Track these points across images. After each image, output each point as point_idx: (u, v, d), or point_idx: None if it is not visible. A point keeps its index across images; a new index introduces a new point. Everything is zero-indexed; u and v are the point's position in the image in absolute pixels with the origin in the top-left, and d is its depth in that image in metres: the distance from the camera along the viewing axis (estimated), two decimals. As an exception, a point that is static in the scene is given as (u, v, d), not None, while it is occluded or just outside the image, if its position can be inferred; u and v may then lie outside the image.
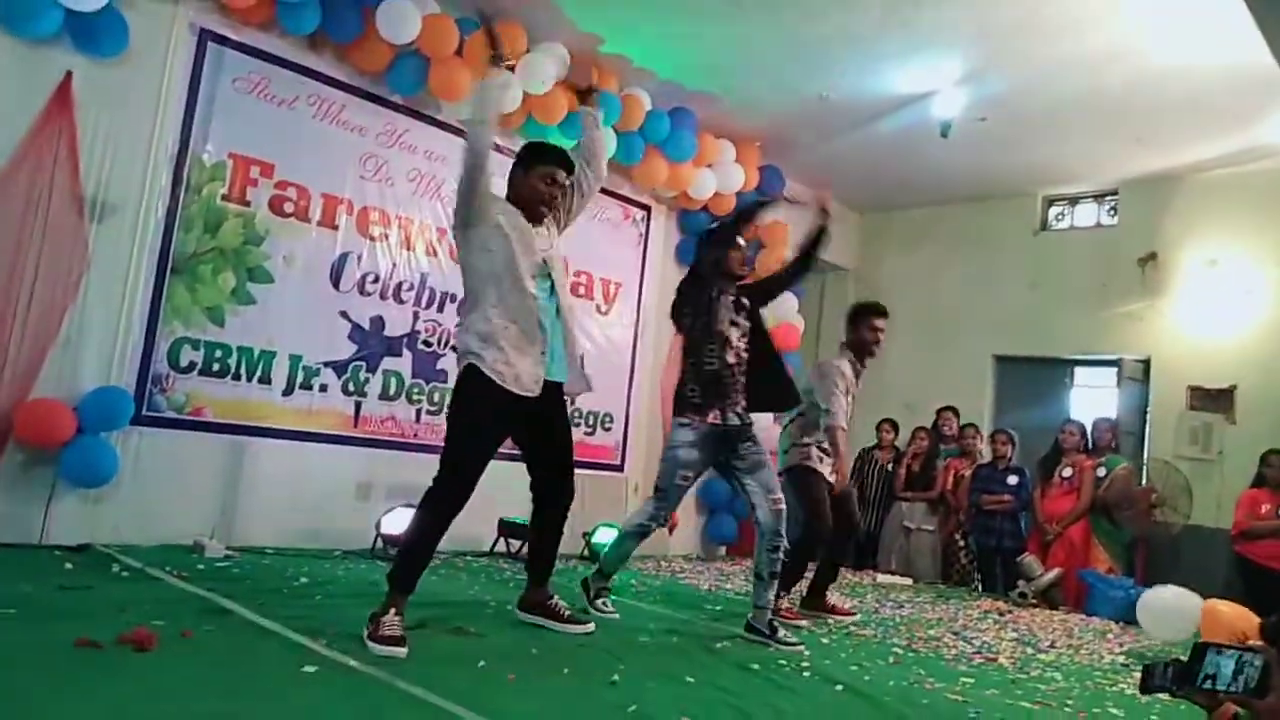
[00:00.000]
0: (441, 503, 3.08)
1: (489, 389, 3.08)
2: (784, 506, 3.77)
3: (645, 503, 4.03)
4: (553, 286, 3.28)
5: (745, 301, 3.90)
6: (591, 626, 3.46)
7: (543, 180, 3.28)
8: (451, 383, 3.39)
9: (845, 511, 4.57)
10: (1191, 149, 6.37)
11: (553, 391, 3.30)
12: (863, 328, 4.58)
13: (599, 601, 3.89)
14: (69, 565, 3.65)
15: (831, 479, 4.47)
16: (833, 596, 4.76)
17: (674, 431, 3.80)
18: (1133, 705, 3.26)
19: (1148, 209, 6.98)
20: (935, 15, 4.91)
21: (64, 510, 4.08)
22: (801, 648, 3.61)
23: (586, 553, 5.64)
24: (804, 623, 4.24)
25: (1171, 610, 4.65)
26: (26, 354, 3.96)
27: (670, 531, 6.73)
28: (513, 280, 3.14)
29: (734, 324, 3.80)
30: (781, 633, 3.69)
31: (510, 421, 3.23)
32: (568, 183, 3.38)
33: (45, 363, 4.03)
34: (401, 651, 2.79)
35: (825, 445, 4.46)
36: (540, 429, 3.35)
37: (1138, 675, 3.77)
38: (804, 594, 4.60)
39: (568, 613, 3.46)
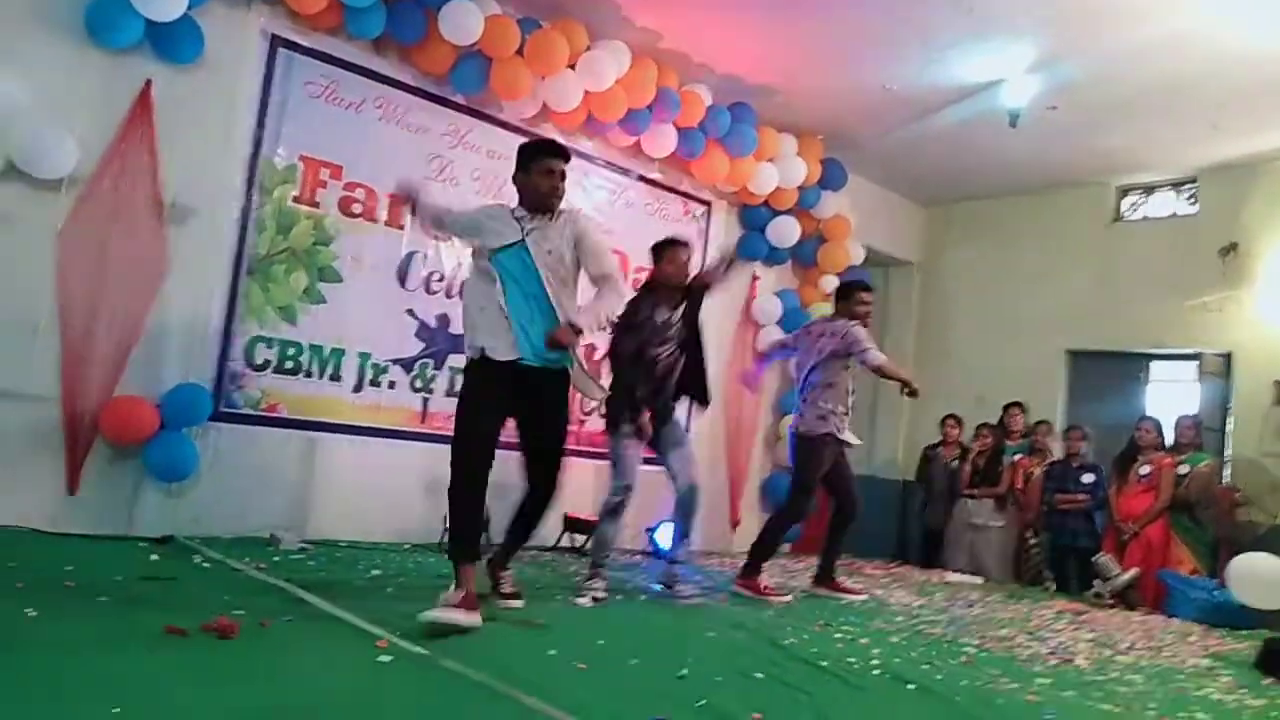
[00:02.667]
0: (455, 465, 3.29)
1: (477, 365, 3.41)
2: (697, 477, 4.30)
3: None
4: (537, 274, 3.39)
5: (678, 312, 4.25)
6: (520, 603, 3.53)
7: (542, 174, 3.43)
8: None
9: (844, 489, 4.89)
10: (1273, 135, 6.10)
11: (552, 378, 3.45)
12: (853, 303, 4.90)
13: (587, 584, 4.05)
14: (154, 556, 3.78)
15: (853, 440, 4.87)
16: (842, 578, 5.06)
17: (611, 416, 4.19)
18: (1219, 710, 3.15)
19: (1228, 197, 6.71)
20: (996, 5, 4.79)
21: (148, 503, 4.23)
22: (698, 601, 4.22)
23: (652, 549, 5.64)
24: (787, 598, 4.54)
25: (1272, 580, 4.44)
26: (112, 353, 4.12)
27: (734, 528, 6.74)
28: (483, 269, 3.45)
29: (666, 341, 4.21)
30: (678, 587, 4.27)
31: (501, 387, 3.36)
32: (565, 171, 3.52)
33: (129, 361, 4.18)
34: (465, 619, 2.97)
35: (842, 410, 4.79)
36: (532, 413, 3.46)
37: (1224, 679, 3.67)
38: (815, 573, 5.00)
39: (506, 590, 3.58)
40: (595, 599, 3.92)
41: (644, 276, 6.14)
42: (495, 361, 3.36)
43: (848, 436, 4.83)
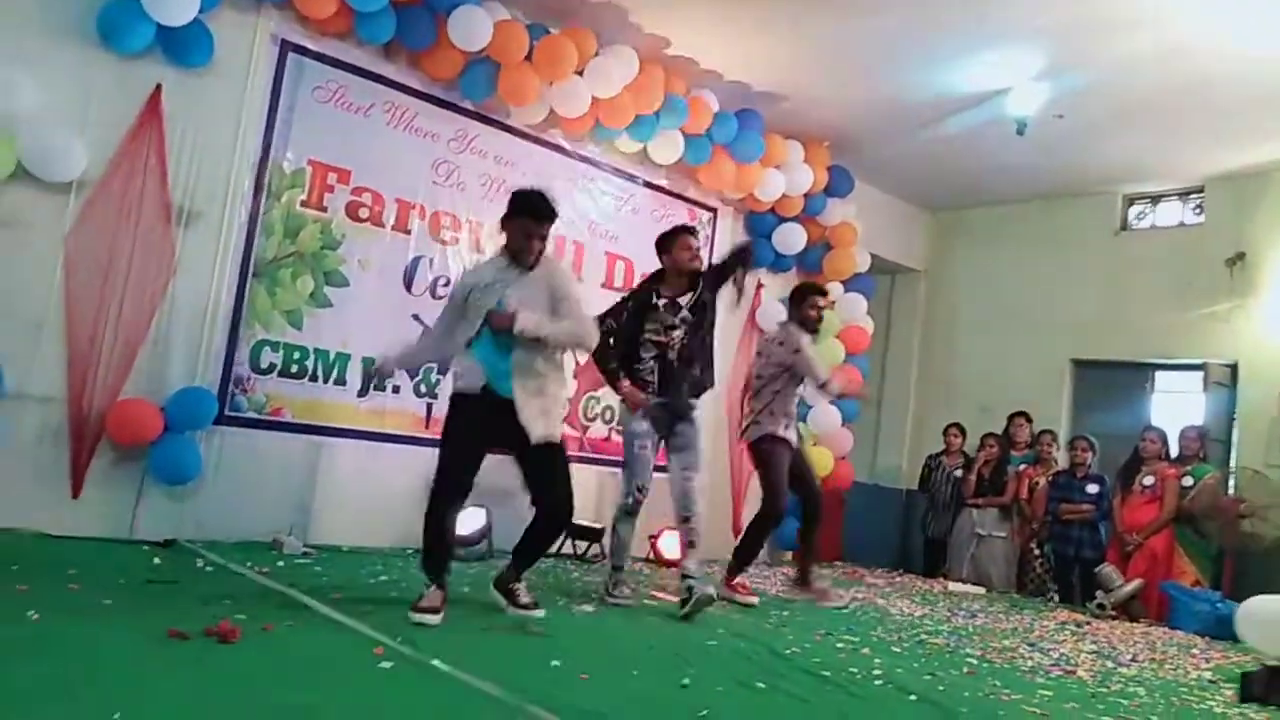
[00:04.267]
0: (430, 494, 3.48)
1: (455, 400, 3.55)
2: (695, 482, 4.23)
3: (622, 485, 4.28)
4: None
5: (686, 297, 4.27)
6: (541, 612, 3.44)
7: (520, 231, 3.48)
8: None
9: (806, 483, 4.95)
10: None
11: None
12: (805, 306, 4.94)
13: (615, 591, 4.16)
14: (157, 560, 3.79)
15: (792, 439, 4.86)
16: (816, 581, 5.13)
17: (624, 416, 4.28)
18: (1223, 724, 3.14)
19: (1235, 207, 6.69)
20: (1010, 10, 4.79)
21: (151, 506, 4.24)
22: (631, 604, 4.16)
23: (652, 555, 5.64)
24: (754, 599, 4.58)
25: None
26: (118, 355, 4.13)
27: (736, 536, 6.72)
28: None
29: (672, 326, 4.23)
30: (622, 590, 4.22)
31: (482, 421, 3.41)
32: (546, 231, 3.52)
33: (135, 364, 4.19)
34: (431, 619, 3.18)
35: (791, 411, 4.86)
36: (517, 441, 3.43)
37: (1227, 692, 3.66)
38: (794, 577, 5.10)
39: (524, 600, 3.47)
40: (623, 604, 4.00)
41: (649, 282, 6.22)
42: (469, 396, 3.45)
43: (788, 435, 4.88)
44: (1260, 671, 3.46)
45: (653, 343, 4.23)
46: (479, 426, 3.43)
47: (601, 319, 4.16)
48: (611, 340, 4.21)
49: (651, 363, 4.23)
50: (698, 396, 4.34)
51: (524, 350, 3.40)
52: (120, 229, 4.12)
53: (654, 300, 4.27)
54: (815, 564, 5.15)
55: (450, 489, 3.45)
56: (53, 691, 2.04)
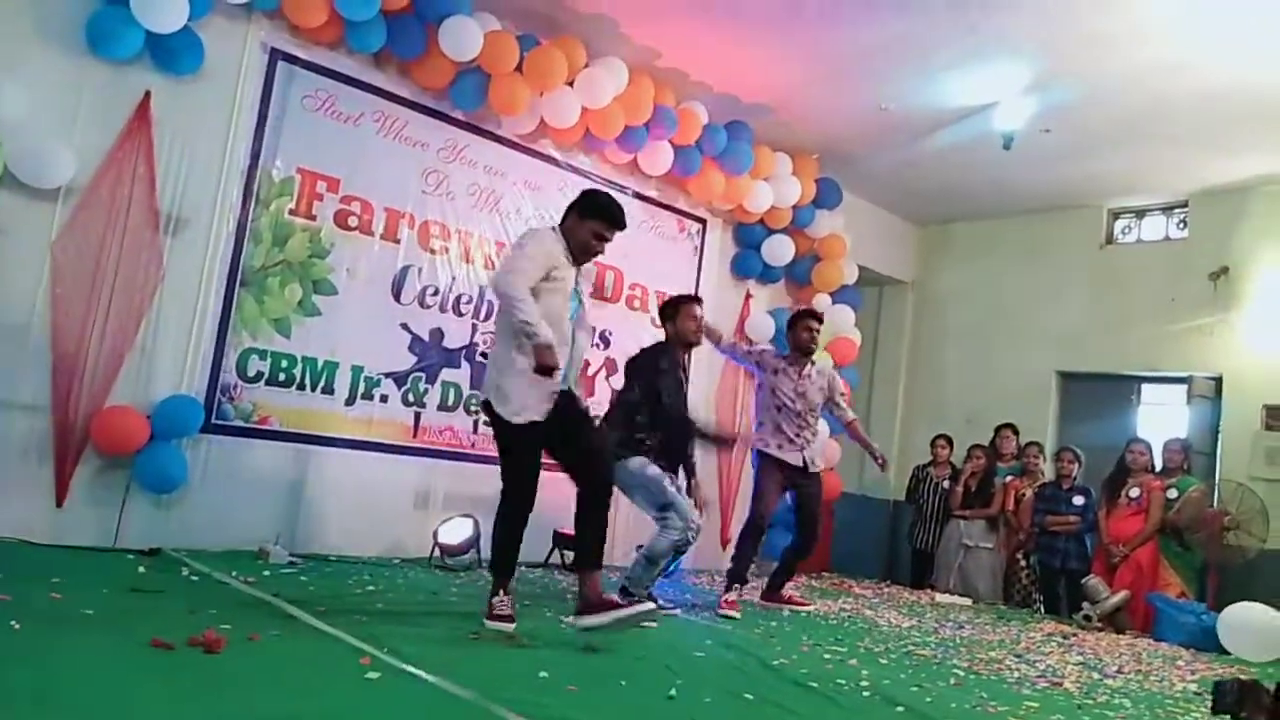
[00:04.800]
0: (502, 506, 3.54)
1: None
2: (700, 525, 4.30)
3: (663, 527, 4.18)
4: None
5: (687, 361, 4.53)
6: (651, 605, 3.60)
7: (590, 233, 3.54)
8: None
9: (807, 510, 5.02)
10: (1264, 159, 6.17)
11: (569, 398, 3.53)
12: (799, 329, 5.08)
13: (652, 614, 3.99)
14: (141, 569, 3.76)
15: (791, 460, 4.92)
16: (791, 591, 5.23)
17: (631, 460, 4.19)
18: (1208, 735, 3.15)
19: (1219, 221, 6.77)
20: (999, 25, 4.84)
21: (137, 515, 4.21)
22: (678, 611, 4.37)
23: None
24: (735, 614, 4.56)
25: (1262, 630, 4.44)
26: (104, 362, 4.11)
27: (725, 546, 6.72)
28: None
29: (679, 391, 4.36)
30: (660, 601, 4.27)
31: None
32: (612, 240, 3.64)
33: (121, 372, 4.17)
34: (509, 627, 3.33)
35: (784, 428, 4.94)
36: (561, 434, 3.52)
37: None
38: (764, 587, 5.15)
39: (617, 599, 3.58)
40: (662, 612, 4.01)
41: (638, 293, 6.24)
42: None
43: (787, 457, 4.95)
44: (1231, 684, 3.48)
45: (671, 405, 4.31)
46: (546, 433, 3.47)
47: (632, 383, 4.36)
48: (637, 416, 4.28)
49: (648, 423, 4.26)
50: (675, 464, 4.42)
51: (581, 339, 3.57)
52: (108, 236, 4.10)
53: (676, 367, 4.38)
54: (788, 578, 5.23)
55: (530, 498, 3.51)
56: (34, 701, 2.02)
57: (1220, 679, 3.81)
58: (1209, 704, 3.66)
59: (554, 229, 3.60)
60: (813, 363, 5.11)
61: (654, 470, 4.22)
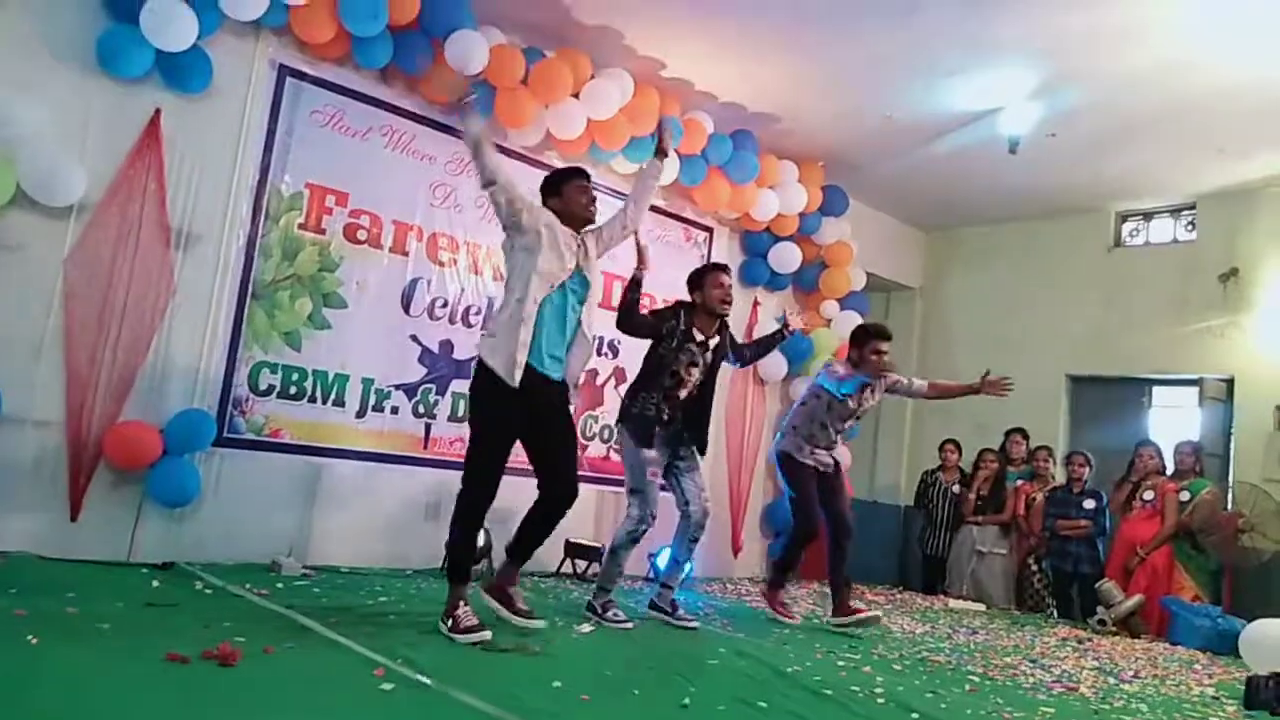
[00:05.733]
0: (461, 497, 3.46)
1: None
2: (711, 506, 4.33)
3: (627, 514, 4.18)
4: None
5: (712, 341, 4.33)
6: (542, 623, 3.53)
7: (579, 192, 3.64)
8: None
9: (835, 511, 4.83)
10: (1270, 159, 6.15)
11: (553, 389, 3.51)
12: (866, 350, 4.87)
13: (609, 614, 4.05)
14: (155, 582, 3.77)
15: (820, 466, 4.80)
16: (858, 601, 5.01)
17: (630, 444, 4.17)
18: (1226, 739, 3.13)
19: (1227, 223, 6.75)
20: (1002, 30, 4.85)
21: (150, 529, 4.23)
22: (696, 625, 4.21)
23: (651, 574, 5.62)
24: (795, 620, 4.69)
25: None
26: (117, 378, 4.14)
27: (735, 554, 6.72)
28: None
29: (694, 364, 4.24)
30: (680, 611, 4.24)
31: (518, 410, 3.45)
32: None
33: (134, 386, 4.20)
34: (487, 635, 3.23)
35: (819, 441, 4.80)
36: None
37: (1229, 708, 3.65)
38: (833, 606, 4.83)
39: (522, 607, 3.55)
40: (622, 626, 3.97)
41: (646, 303, 6.22)
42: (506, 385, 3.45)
43: (818, 462, 4.83)
44: (1268, 679, 3.44)
45: (673, 373, 4.22)
46: (515, 417, 3.44)
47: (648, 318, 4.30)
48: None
49: (661, 394, 4.20)
50: (695, 445, 4.37)
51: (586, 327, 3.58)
52: (119, 253, 4.14)
53: (691, 331, 4.25)
54: (845, 588, 4.86)
55: (486, 486, 3.45)
56: (52, 715, 2.03)
57: (1252, 674, 3.79)
58: (1228, 708, 3.65)
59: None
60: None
61: (650, 454, 4.16)
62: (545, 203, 3.65)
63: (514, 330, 3.36)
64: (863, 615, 4.69)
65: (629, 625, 4.01)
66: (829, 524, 4.84)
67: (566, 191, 3.64)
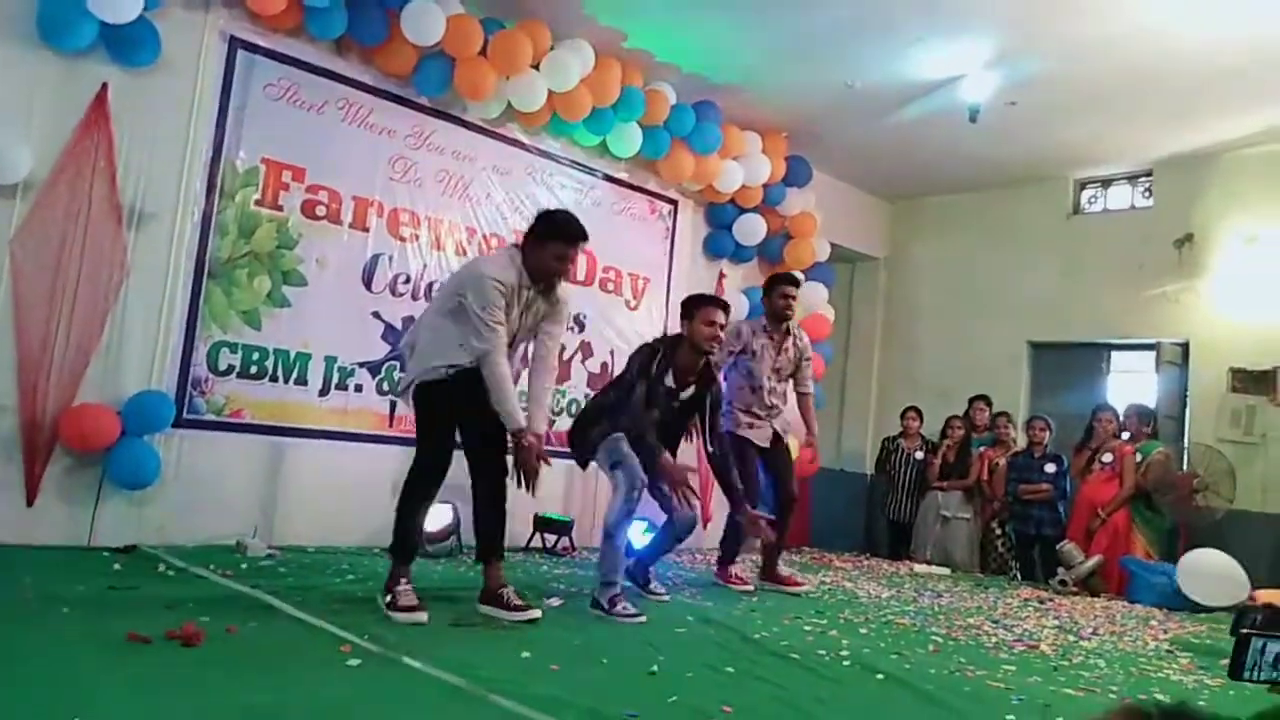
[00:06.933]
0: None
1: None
2: (697, 514, 4.28)
3: (614, 490, 3.92)
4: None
5: (689, 391, 4.09)
6: (539, 613, 3.41)
7: (551, 255, 3.44)
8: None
9: (780, 481, 4.93)
10: (1226, 125, 6.24)
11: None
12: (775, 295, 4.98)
13: (617, 609, 3.66)
14: (117, 566, 3.72)
15: (760, 441, 4.86)
16: (786, 569, 5.11)
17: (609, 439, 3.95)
18: (1179, 691, 3.22)
19: (1183, 189, 6.85)
20: (961, -1, 4.86)
21: (110, 512, 4.17)
22: (667, 597, 4.20)
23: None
24: (749, 586, 4.72)
25: (1220, 576, 4.52)
26: (70, 360, 4.05)
27: (705, 525, 6.76)
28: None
29: (655, 407, 3.98)
30: (653, 584, 4.28)
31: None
32: (577, 255, 3.60)
33: (88, 368, 4.11)
34: (423, 616, 3.17)
35: (755, 409, 4.87)
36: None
37: (1183, 661, 3.76)
38: (762, 568, 4.99)
39: (516, 602, 3.41)
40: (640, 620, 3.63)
41: (611, 276, 6.24)
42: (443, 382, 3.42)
43: (757, 437, 4.90)
44: (1260, 610, 3.54)
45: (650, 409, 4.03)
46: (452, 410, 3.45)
47: (631, 385, 3.95)
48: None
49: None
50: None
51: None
52: (69, 232, 4.04)
53: (664, 376, 4.00)
54: (776, 553, 5.02)
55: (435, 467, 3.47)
56: (10, 698, 2.00)
57: (1246, 605, 3.90)
58: (1181, 661, 3.75)
59: (511, 250, 3.57)
60: (789, 334, 4.99)
61: (624, 445, 3.89)
62: (528, 240, 3.52)
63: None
64: (787, 588, 4.83)
65: (642, 619, 3.62)
66: (773, 493, 4.97)
67: (533, 249, 3.46)
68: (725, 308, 4.15)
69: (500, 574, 3.50)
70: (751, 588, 4.74)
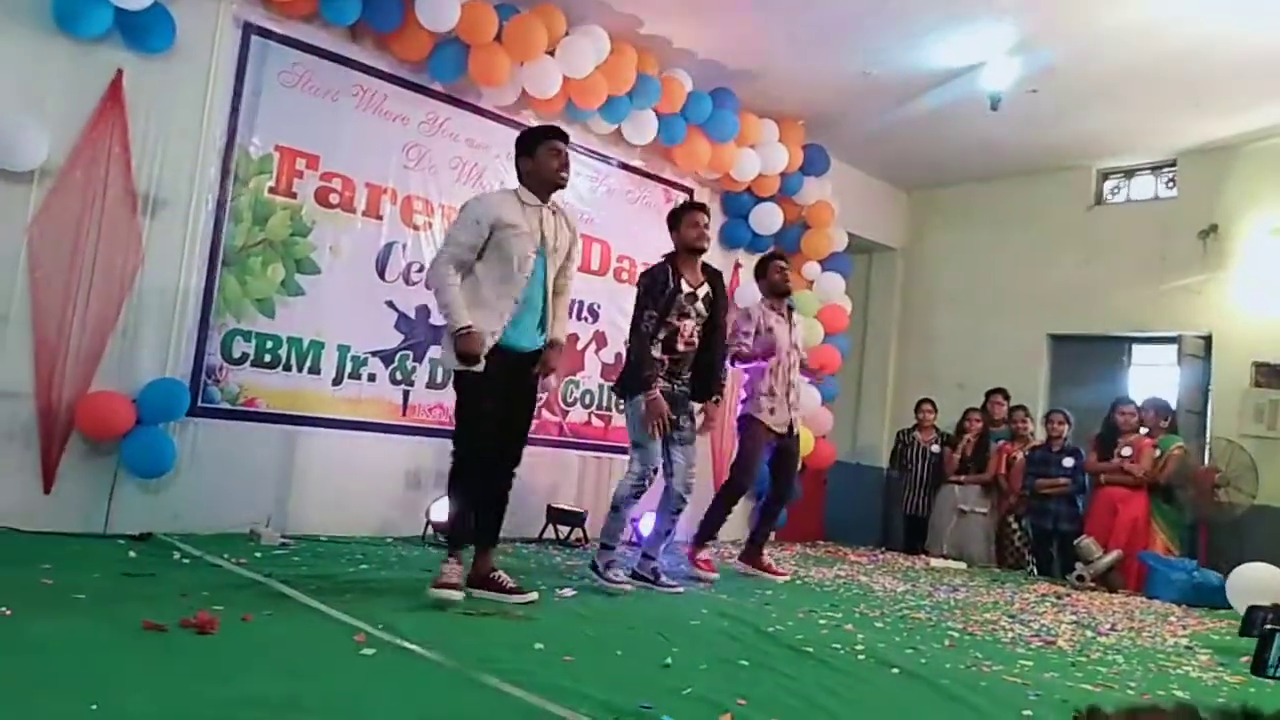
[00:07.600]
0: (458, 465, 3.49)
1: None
2: (694, 483, 4.26)
3: (629, 468, 4.15)
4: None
5: (702, 289, 4.22)
6: (534, 595, 3.49)
7: (552, 154, 3.51)
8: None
9: (786, 466, 5.00)
10: (1252, 116, 6.14)
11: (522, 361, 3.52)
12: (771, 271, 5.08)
13: (610, 573, 4.02)
14: (132, 553, 3.74)
15: (777, 427, 4.88)
16: (769, 558, 5.14)
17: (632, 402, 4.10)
18: (1198, 688, 3.18)
19: (1207, 180, 6.75)
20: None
21: (126, 500, 4.18)
22: (681, 589, 4.17)
23: (635, 539, 5.62)
24: (714, 575, 4.67)
25: (1268, 588, 4.47)
26: (86, 347, 4.06)
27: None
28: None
29: (686, 315, 4.14)
30: (663, 578, 4.20)
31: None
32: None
33: (104, 356, 4.12)
34: (456, 595, 3.24)
35: (775, 388, 4.89)
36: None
37: (1203, 657, 3.71)
38: (743, 546, 5.11)
39: (511, 584, 3.48)
40: (619, 587, 3.95)
41: (626, 265, 6.20)
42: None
43: (776, 424, 4.90)
44: (1270, 609, 3.49)
45: (667, 325, 4.12)
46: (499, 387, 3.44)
47: (641, 310, 4.11)
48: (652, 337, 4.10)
49: (661, 347, 4.12)
50: (697, 398, 4.30)
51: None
52: (85, 218, 4.04)
53: (676, 284, 4.14)
54: (762, 540, 5.12)
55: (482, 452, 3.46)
56: (28, 684, 2.00)
57: (1256, 605, 3.87)
58: (1201, 657, 3.70)
59: (505, 189, 3.66)
60: (792, 308, 5.11)
61: (652, 395, 4.03)
62: (517, 161, 3.58)
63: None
64: (767, 575, 4.85)
65: (627, 587, 3.95)
66: (775, 485, 5.05)
67: (539, 153, 3.53)
68: (705, 209, 4.35)
69: (491, 559, 3.56)
70: (716, 575, 4.67)
